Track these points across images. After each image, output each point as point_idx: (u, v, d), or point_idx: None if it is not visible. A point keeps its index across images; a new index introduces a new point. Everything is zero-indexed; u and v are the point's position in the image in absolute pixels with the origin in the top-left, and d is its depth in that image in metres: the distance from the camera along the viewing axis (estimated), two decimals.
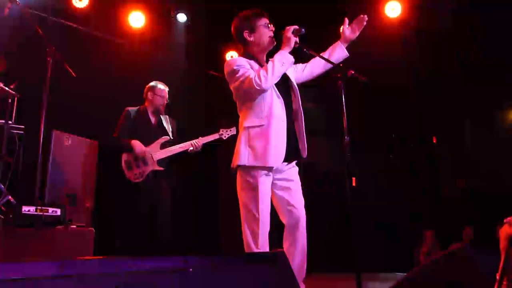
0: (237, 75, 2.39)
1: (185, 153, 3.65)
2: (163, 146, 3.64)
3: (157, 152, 3.58)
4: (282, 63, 2.34)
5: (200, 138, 3.65)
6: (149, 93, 3.76)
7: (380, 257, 5.56)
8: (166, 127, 3.74)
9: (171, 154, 3.60)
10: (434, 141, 6.86)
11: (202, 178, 5.59)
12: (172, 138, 3.72)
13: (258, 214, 2.31)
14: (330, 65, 2.55)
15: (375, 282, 4.31)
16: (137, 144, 3.52)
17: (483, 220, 5.05)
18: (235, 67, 2.40)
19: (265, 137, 2.36)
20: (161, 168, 3.56)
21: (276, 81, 2.38)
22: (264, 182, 2.36)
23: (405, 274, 1.74)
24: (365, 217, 6.01)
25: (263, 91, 2.34)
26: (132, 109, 3.73)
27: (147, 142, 3.59)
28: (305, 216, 2.45)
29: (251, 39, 2.52)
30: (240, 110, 2.53)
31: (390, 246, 5.61)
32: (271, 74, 2.30)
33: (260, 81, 2.29)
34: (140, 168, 3.50)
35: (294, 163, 2.53)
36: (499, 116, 6.15)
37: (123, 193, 3.58)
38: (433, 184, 6.65)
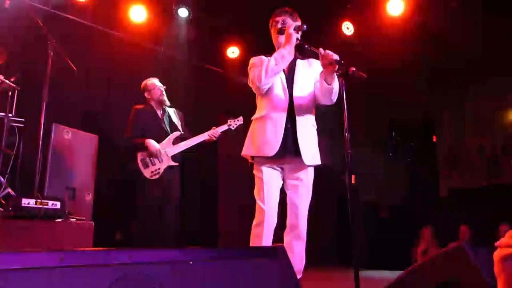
0: (249, 73, 2.55)
1: (196, 146, 3.72)
2: (176, 141, 3.70)
3: (170, 148, 3.64)
4: (277, 62, 2.39)
5: (214, 128, 3.71)
6: (145, 93, 3.83)
7: (379, 254, 5.58)
8: (176, 122, 3.80)
9: (184, 148, 3.67)
10: (434, 140, 6.87)
11: (201, 173, 5.59)
12: (183, 132, 3.77)
13: (264, 205, 2.41)
14: (326, 95, 2.48)
15: (373, 279, 4.32)
16: (151, 143, 3.57)
17: (482, 219, 5.06)
18: (250, 66, 2.58)
19: (263, 127, 2.47)
20: (176, 164, 3.63)
21: (271, 79, 2.43)
22: (268, 174, 2.46)
23: (402, 272, 1.74)
24: (364, 214, 6.03)
25: (259, 88, 2.45)
26: (139, 107, 3.79)
27: (158, 138, 3.64)
28: (306, 218, 2.49)
29: (272, 38, 2.66)
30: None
31: (388, 244, 5.63)
32: (264, 74, 2.39)
33: (255, 80, 2.42)
34: (156, 165, 3.57)
35: (309, 164, 2.51)
36: (500, 115, 6.14)
37: (136, 189, 3.63)
38: (432, 182, 6.66)
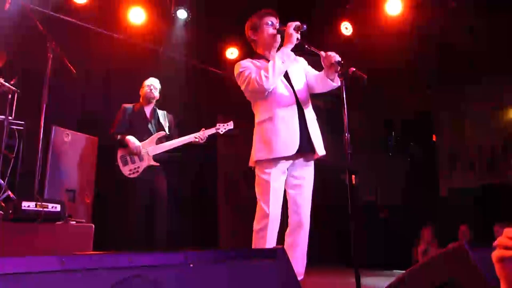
0: (242, 78, 2.48)
1: (182, 147, 3.67)
2: (159, 141, 3.66)
3: (152, 148, 3.58)
4: (283, 60, 2.38)
5: (203, 130, 3.67)
6: (140, 90, 3.86)
7: (379, 254, 5.57)
8: (163, 123, 3.77)
9: (168, 149, 3.62)
10: (434, 139, 6.87)
11: (201, 173, 5.59)
12: (168, 133, 3.74)
13: (269, 209, 2.36)
14: (327, 88, 2.55)
15: (373, 279, 4.32)
16: (131, 140, 3.54)
17: (482, 219, 5.06)
18: (240, 70, 2.50)
19: (275, 128, 2.42)
20: (157, 164, 3.56)
21: (278, 79, 2.43)
22: (276, 178, 2.40)
23: (403, 271, 1.74)
24: (364, 214, 6.02)
25: (265, 90, 2.40)
26: (128, 105, 3.78)
27: (143, 138, 3.61)
28: (309, 217, 2.48)
29: (256, 38, 2.62)
30: (253, 108, 2.60)
31: (389, 243, 5.62)
32: (272, 74, 2.36)
33: (262, 81, 2.36)
34: (136, 164, 3.52)
35: (311, 161, 2.53)
36: (500, 114, 6.14)
37: (119, 188, 3.61)
38: (432, 182, 6.65)
